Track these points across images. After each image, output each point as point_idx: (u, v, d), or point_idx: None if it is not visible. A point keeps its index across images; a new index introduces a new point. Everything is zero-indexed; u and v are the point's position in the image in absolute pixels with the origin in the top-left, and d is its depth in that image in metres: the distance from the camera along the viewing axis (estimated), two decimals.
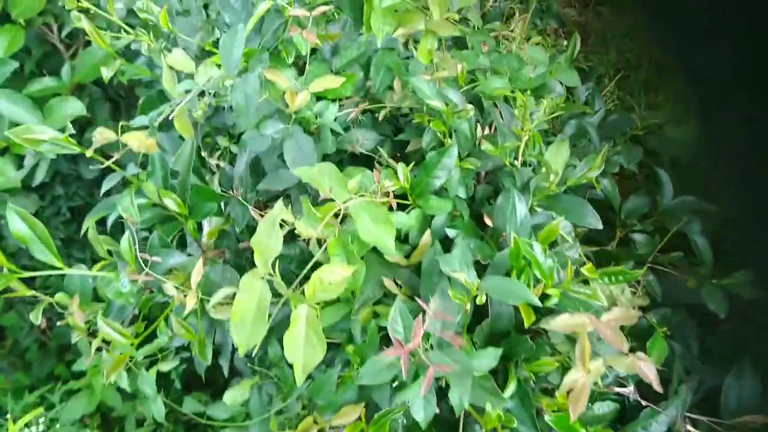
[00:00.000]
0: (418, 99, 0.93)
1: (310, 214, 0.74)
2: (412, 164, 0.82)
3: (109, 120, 1.55)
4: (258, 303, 0.63)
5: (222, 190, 0.97)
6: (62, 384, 1.51)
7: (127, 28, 0.98)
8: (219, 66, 0.88)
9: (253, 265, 1.01)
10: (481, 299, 0.68)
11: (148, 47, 0.97)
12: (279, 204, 0.69)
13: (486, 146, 0.81)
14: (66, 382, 1.78)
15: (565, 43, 1.23)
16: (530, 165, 0.89)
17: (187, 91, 0.79)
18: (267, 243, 0.68)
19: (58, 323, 0.87)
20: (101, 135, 0.72)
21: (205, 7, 1.30)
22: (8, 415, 1.44)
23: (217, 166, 0.99)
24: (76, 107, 1.15)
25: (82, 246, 1.85)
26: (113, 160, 0.75)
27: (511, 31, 1.16)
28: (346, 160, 1.03)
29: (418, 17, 0.88)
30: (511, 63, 0.93)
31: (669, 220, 1.00)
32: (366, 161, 1.01)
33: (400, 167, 0.82)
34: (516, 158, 0.85)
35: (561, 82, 0.97)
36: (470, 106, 0.84)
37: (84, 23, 0.90)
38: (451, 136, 0.86)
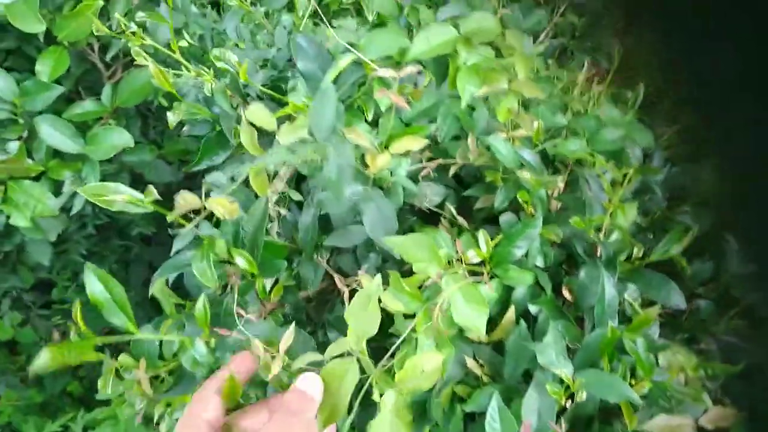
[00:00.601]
0: (492, 156, 0.91)
1: (398, 286, 0.71)
2: (499, 237, 0.79)
3: (142, 139, 1.51)
4: (344, 381, 0.61)
5: (279, 235, 0.94)
6: (84, 411, 1.47)
7: (187, 65, 0.94)
8: (290, 114, 0.85)
9: (310, 319, 0.97)
10: (581, 396, 0.65)
11: (211, 88, 0.93)
12: (377, 279, 0.66)
13: (574, 219, 0.79)
14: (80, 399, 1.74)
15: (628, 92, 1.20)
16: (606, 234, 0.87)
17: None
18: (362, 321, 0.64)
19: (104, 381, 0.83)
20: (185, 201, 0.68)
21: (253, 34, 1.27)
22: None
23: (278, 213, 0.95)
24: (123, 138, 1.11)
25: (101, 258, 1.82)
26: (194, 223, 0.71)
27: (574, 81, 1.13)
28: (406, 210, 1.00)
29: (502, 76, 0.85)
30: (589, 123, 0.90)
31: (734, 287, 0.98)
32: (429, 215, 0.98)
33: (482, 236, 0.80)
34: (599, 229, 0.83)
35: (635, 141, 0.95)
36: (559, 178, 0.82)
37: (150, 65, 0.86)
38: (532, 204, 0.83)
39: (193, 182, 1.66)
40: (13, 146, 1.17)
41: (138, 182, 1.51)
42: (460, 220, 0.92)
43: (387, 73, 0.77)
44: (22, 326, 1.71)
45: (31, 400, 1.70)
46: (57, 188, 1.22)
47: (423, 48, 0.79)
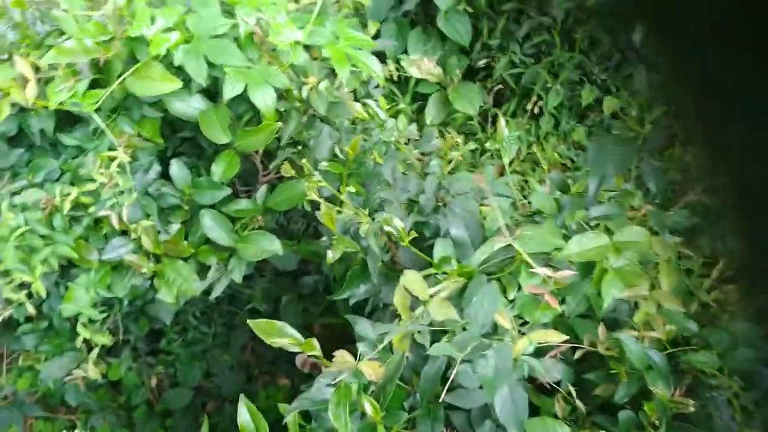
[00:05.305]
0: (619, 349, 0.94)
1: None
2: None
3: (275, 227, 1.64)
4: None
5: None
6: None
7: (352, 207, 1.04)
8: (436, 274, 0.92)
9: None
10: None
11: (367, 230, 1.03)
12: None
13: None
14: None
15: None
16: None
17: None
18: None
19: None
20: (342, 359, 0.76)
21: None
22: None
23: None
24: (273, 245, 1.22)
25: (209, 320, 1.95)
26: (341, 378, 0.79)
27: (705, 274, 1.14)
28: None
29: (644, 282, 0.89)
30: (722, 338, 0.92)
31: None
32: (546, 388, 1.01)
33: None
34: None
35: None
36: (690, 402, 0.83)
37: (322, 209, 0.97)
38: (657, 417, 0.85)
39: (307, 266, 1.77)
40: (174, 228, 1.32)
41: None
42: (578, 402, 0.95)
43: (544, 272, 0.83)
44: (129, 370, 1.85)
45: None
46: (202, 270, 1.36)
47: (576, 250, 0.85)
